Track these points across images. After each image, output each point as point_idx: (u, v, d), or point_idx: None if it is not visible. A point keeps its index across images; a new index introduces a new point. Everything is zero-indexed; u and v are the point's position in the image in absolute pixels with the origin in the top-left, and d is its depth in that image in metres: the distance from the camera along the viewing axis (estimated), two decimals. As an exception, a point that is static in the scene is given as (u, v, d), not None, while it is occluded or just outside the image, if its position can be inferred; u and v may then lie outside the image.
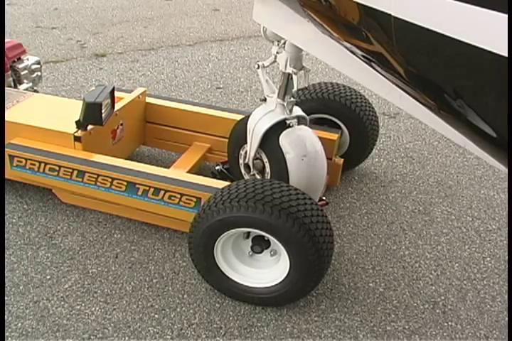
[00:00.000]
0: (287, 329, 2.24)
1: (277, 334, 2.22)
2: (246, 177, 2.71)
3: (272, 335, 2.21)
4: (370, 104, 3.08)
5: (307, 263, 2.11)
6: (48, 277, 2.43)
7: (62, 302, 2.30)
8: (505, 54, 0.97)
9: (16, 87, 3.34)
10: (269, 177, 2.57)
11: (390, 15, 1.20)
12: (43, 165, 2.61)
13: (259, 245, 2.25)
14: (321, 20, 1.66)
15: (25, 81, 3.39)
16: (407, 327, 2.30)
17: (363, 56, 1.52)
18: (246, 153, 2.65)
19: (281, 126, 2.46)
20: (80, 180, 2.56)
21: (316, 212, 2.14)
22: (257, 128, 2.49)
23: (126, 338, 2.17)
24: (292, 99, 2.47)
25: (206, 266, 2.28)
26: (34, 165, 2.62)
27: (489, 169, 3.48)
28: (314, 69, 4.80)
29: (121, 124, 2.97)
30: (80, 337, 2.15)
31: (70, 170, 2.56)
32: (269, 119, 2.46)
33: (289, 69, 2.37)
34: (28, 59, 3.42)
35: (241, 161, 2.73)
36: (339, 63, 1.90)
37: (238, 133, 2.70)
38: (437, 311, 2.38)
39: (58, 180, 2.61)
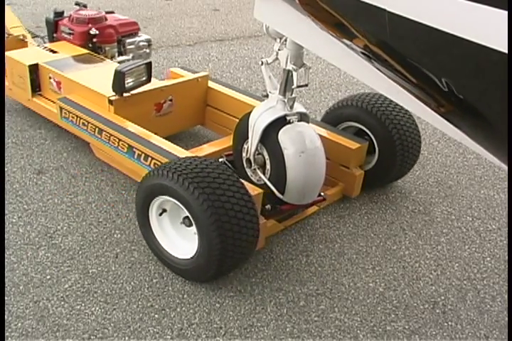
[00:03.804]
0: (287, 329, 2.24)
1: (277, 334, 2.22)
2: (247, 171, 2.72)
3: (272, 335, 2.21)
4: (416, 133, 2.95)
5: (209, 241, 2.18)
6: (48, 277, 2.43)
7: (62, 302, 2.30)
8: (504, 49, 0.97)
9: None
10: (269, 172, 2.58)
11: (384, 10, 1.20)
12: (79, 119, 3.02)
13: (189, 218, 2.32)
14: (319, 20, 1.66)
15: (131, 54, 3.75)
16: (407, 327, 2.30)
17: (362, 53, 1.52)
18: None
19: (281, 122, 2.48)
20: (100, 136, 2.93)
21: (232, 188, 2.19)
22: (257, 123, 2.51)
23: (126, 338, 2.17)
24: (293, 95, 2.49)
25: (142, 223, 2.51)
26: (74, 118, 3.06)
27: (489, 169, 3.48)
28: (314, 69, 4.80)
29: (171, 100, 3.24)
30: (79, 337, 2.15)
31: (94, 127, 2.94)
32: (269, 115, 2.48)
33: (290, 66, 2.39)
34: (140, 36, 3.83)
35: (244, 155, 2.74)
36: (339, 60, 1.90)
37: (243, 127, 2.71)
38: (437, 311, 2.38)
39: (87, 134, 3.03)
